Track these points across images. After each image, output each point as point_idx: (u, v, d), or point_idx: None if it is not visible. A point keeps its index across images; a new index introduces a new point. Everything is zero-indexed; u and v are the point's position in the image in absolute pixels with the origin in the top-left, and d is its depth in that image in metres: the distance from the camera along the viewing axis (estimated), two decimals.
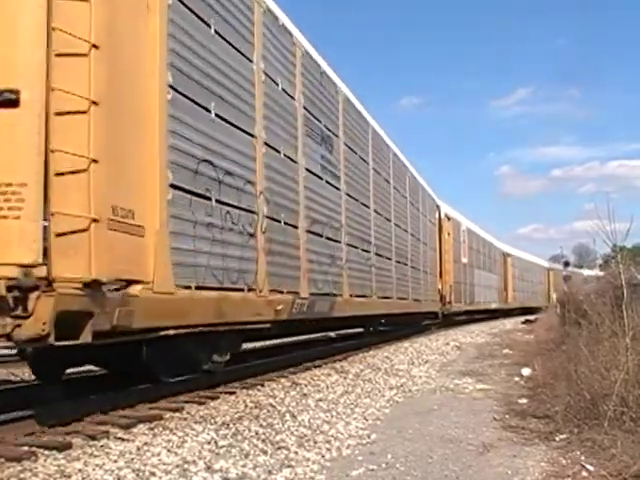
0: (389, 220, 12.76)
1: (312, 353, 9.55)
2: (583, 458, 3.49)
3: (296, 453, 3.76)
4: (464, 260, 22.25)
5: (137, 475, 3.20)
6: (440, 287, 18.52)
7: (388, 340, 13.21)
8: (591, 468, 3.27)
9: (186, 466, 3.38)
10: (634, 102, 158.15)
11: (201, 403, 5.32)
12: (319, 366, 8.37)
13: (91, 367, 6.40)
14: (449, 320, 20.20)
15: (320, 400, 5.68)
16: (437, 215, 19.22)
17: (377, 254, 11.38)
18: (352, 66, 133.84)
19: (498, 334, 16.91)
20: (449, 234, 20.03)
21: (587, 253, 67.53)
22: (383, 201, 12.30)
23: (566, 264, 50.31)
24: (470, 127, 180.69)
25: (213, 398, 5.56)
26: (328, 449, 3.88)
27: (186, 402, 5.31)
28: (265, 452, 3.76)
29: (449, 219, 20.36)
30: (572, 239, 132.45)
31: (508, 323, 24.33)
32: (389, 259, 12.50)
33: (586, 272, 45.97)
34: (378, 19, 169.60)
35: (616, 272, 5.86)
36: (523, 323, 21.38)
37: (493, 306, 28.05)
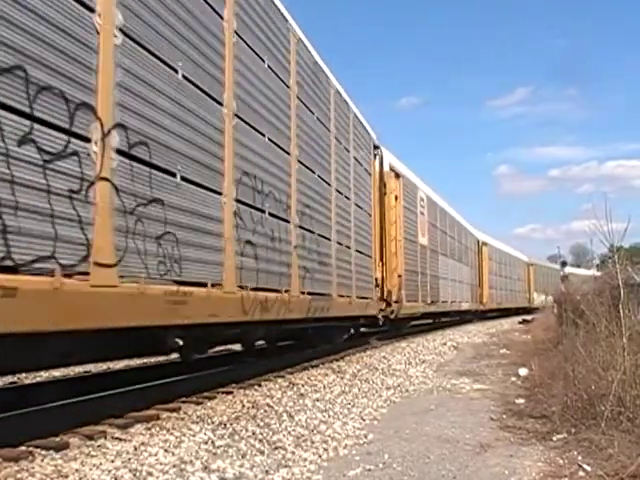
0: (257, 130, 6.35)
1: (309, 353, 9.54)
2: (580, 458, 3.49)
3: (293, 453, 3.75)
4: (422, 241, 15.45)
5: (134, 475, 3.19)
6: (380, 276, 11.90)
7: (385, 339, 13.21)
8: (588, 468, 3.28)
9: (183, 466, 3.38)
10: (634, 102, 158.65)
11: (198, 403, 5.31)
12: (316, 366, 8.37)
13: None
14: (400, 328, 14.19)
15: (317, 400, 5.68)
16: (377, 163, 12.14)
17: (188, 180, 4.92)
18: (352, 66, 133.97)
19: (495, 334, 16.94)
20: (397, 198, 13.21)
21: (584, 253, 67.77)
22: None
23: (563, 264, 50.38)
24: (469, 127, 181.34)
25: (210, 398, 5.56)
26: (325, 449, 3.87)
27: (183, 402, 5.31)
28: (262, 452, 3.76)
29: (398, 176, 13.35)
30: (570, 239, 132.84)
31: (505, 323, 24.38)
32: (250, 206, 6.12)
33: (567, 269, 46.85)
34: (378, 19, 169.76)
35: (613, 272, 5.86)
36: (520, 323, 21.55)
37: (464, 307, 21.76)
